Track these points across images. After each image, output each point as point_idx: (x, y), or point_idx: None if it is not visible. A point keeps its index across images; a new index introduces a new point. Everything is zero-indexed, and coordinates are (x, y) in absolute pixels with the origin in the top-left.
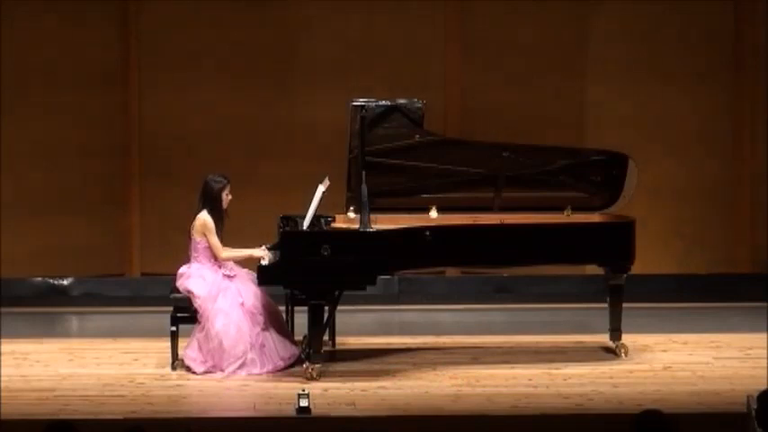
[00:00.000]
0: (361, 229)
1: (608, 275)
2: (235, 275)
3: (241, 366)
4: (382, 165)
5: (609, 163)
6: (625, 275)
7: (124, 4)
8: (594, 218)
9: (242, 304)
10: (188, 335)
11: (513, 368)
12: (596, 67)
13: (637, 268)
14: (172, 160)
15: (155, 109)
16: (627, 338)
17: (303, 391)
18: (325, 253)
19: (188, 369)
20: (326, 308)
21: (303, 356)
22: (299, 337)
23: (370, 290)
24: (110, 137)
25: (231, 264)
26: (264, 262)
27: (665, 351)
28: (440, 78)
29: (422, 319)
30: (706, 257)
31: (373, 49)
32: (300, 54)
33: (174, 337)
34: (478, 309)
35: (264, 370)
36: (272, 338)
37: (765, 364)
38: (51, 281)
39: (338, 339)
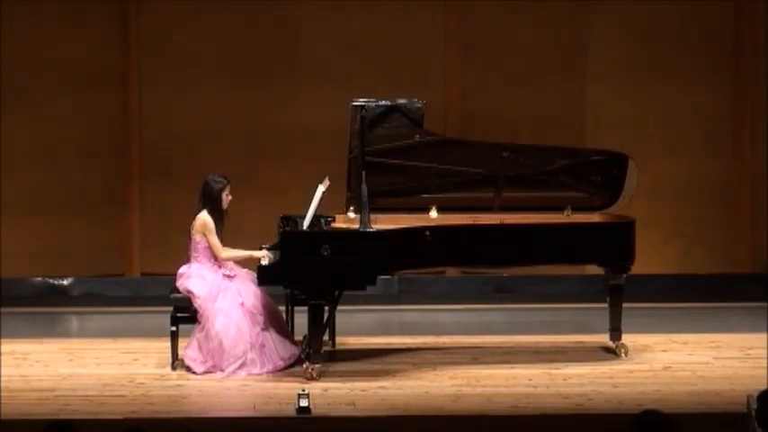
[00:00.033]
0: (361, 229)
1: (608, 275)
2: (235, 275)
3: (241, 366)
4: (382, 165)
5: (609, 163)
6: (625, 275)
7: (124, 4)
8: (594, 218)
9: (242, 304)
10: (188, 335)
11: (513, 368)
12: (596, 67)
13: (637, 268)
14: (172, 160)
15: (155, 109)
16: (627, 338)
17: (303, 391)
18: (325, 253)
19: (188, 369)
20: (326, 308)
21: (303, 356)
22: (299, 337)
23: (370, 290)
24: (110, 137)
25: (231, 264)
26: (264, 262)
27: (665, 351)
28: (440, 78)
29: (422, 319)
30: (706, 257)
31: (373, 49)
32: (300, 54)
33: (174, 337)
34: (478, 309)
35: (264, 370)
36: (272, 338)
37: (765, 364)
38: (51, 281)
39: (338, 339)
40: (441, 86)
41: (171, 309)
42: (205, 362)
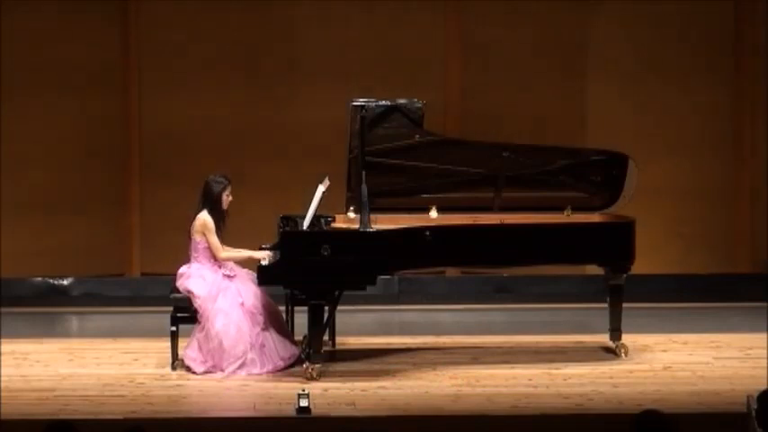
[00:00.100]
0: (361, 229)
1: (608, 275)
2: (235, 275)
3: (241, 366)
4: (382, 165)
5: (609, 163)
6: (625, 275)
7: (124, 4)
8: (594, 218)
9: (242, 304)
10: (188, 335)
11: (513, 368)
12: (596, 67)
13: (637, 268)
14: (172, 160)
15: (155, 109)
16: (627, 338)
17: (303, 391)
18: (325, 253)
19: (188, 369)
20: (326, 308)
21: (303, 356)
22: (299, 337)
23: (370, 290)
24: (110, 137)
25: (231, 264)
26: (264, 262)
27: (665, 351)
28: (440, 78)
29: (422, 319)
30: (706, 257)
31: (373, 49)
32: (300, 54)
33: (174, 337)
34: (478, 309)
35: (264, 370)
36: (272, 338)
37: (765, 364)
38: (51, 281)
39: (338, 339)
40: (441, 86)
41: (171, 309)
42: (205, 362)
